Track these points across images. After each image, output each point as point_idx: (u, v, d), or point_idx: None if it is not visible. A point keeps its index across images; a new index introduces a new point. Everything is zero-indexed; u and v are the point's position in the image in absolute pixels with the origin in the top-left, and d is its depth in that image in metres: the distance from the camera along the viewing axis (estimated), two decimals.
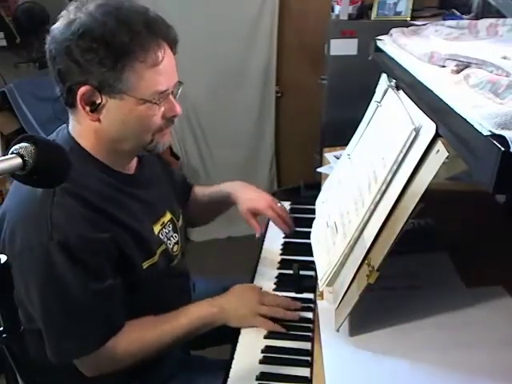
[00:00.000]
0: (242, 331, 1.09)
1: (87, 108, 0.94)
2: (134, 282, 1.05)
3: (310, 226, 1.28)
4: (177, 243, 1.18)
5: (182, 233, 1.23)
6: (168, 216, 1.17)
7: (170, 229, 1.17)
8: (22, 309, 1.02)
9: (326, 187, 1.35)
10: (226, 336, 1.11)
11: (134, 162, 1.12)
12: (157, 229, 1.12)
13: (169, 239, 1.15)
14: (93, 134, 0.99)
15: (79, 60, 0.89)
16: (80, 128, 1.00)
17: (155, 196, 1.14)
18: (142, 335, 1.05)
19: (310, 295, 1.17)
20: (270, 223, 1.57)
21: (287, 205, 1.67)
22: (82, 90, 0.92)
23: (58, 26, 0.92)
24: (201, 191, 1.45)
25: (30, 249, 0.92)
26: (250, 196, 1.33)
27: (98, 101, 0.93)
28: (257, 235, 1.33)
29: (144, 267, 1.05)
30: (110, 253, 0.99)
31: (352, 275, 0.94)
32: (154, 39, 0.92)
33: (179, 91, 1.04)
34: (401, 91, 1.05)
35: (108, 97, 0.93)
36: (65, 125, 1.04)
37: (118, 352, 1.01)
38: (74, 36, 0.89)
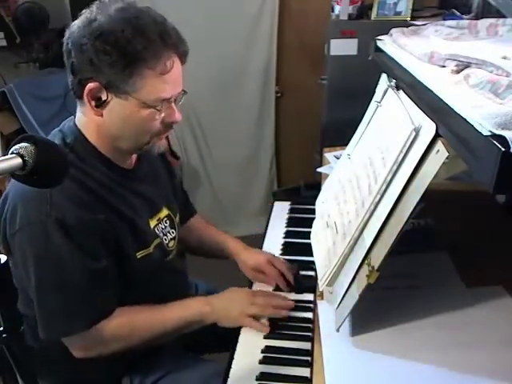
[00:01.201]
0: (242, 331, 1.09)
1: (92, 103, 0.98)
2: (129, 273, 1.06)
3: (310, 226, 1.28)
4: (173, 239, 1.20)
5: (179, 229, 1.25)
6: (165, 212, 1.19)
7: (167, 224, 1.19)
8: (23, 295, 1.06)
9: (326, 187, 1.34)
10: (225, 343, 1.11)
11: (134, 157, 1.15)
12: (153, 223, 1.14)
13: (165, 234, 1.17)
14: (95, 127, 1.03)
15: (93, 59, 0.93)
16: (85, 120, 1.04)
17: (152, 191, 1.16)
18: (132, 321, 1.07)
19: (310, 295, 1.18)
20: (271, 223, 1.57)
21: (287, 205, 1.66)
22: (91, 85, 0.96)
23: (77, 23, 0.96)
24: (207, 232, 1.42)
25: (29, 224, 0.96)
26: (250, 256, 1.31)
27: (104, 97, 0.97)
28: (271, 288, 1.25)
29: (138, 257, 1.07)
30: (106, 235, 1.01)
31: (352, 275, 0.94)
32: (165, 49, 0.96)
33: (182, 100, 1.07)
34: (401, 91, 1.05)
35: (113, 95, 0.97)
36: (72, 117, 1.08)
37: (107, 335, 1.03)
38: (91, 36, 0.93)
